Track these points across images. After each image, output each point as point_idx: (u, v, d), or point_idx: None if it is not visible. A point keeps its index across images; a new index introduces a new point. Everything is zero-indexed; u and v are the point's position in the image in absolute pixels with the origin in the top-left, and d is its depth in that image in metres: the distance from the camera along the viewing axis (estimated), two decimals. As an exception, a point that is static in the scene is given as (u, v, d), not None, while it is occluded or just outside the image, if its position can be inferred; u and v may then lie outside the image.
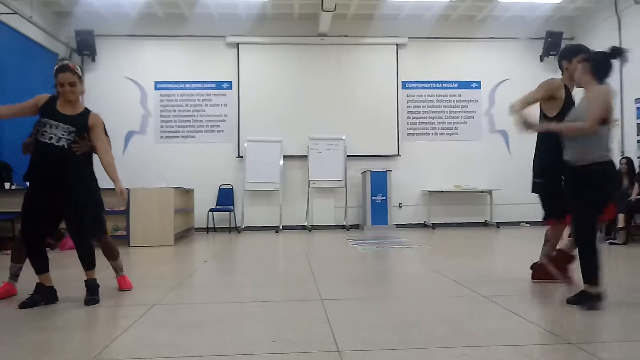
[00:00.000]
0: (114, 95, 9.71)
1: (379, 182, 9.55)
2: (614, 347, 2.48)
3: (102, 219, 4.03)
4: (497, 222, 9.90)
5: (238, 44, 10.12)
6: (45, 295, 3.46)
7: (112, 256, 4.00)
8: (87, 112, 3.59)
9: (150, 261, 5.93)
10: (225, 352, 2.39)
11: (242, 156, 9.94)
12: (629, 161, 7.80)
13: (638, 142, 8.58)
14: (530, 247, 7.10)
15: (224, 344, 2.50)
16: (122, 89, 9.91)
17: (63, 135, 3.42)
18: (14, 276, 3.82)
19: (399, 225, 9.86)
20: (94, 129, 3.55)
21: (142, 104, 9.96)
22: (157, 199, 7.23)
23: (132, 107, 9.91)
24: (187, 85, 10.09)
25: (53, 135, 3.40)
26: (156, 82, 10.03)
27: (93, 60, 9.77)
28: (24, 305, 3.35)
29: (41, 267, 3.52)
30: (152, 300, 3.52)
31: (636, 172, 7.74)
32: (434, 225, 9.94)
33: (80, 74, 3.59)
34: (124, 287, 3.94)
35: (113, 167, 3.53)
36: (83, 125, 3.50)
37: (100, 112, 3.73)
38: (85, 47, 9.55)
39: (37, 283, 3.50)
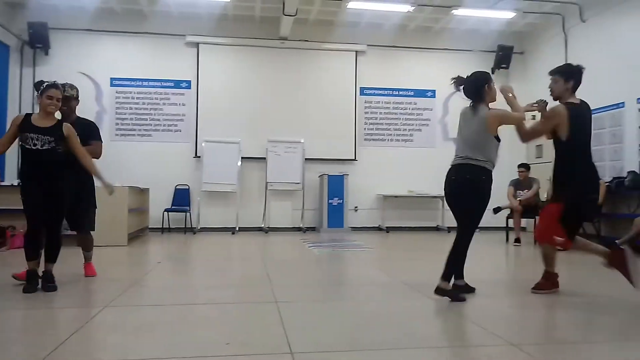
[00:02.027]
0: (67, 91, 9.38)
1: (336, 186, 9.69)
2: (550, 348, 2.65)
3: (93, 216, 4.80)
4: (448, 227, 10.20)
5: (198, 43, 10.04)
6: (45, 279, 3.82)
7: (87, 248, 4.64)
8: (60, 123, 3.95)
9: (102, 262, 5.76)
10: (178, 354, 2.41)
11: (199, 156, 9.85)
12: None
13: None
14: (478, 250, 7.39)
15: (177, 347, 2.52)
16: (76, 84, 9.42)
17: (44, 144, 3.82)
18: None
19: (354, 228, 10.01)
20: (69, 139, 3.93)
21: (97, 101, 9.71)
22: (111, 198, 6.97)
23: (86, 103, 9.54)
24: (145, 83, 9.91)
25: (37, 143, 3.80)
26: (112, 79, 9.81)
27: (46, 53, 9.45)
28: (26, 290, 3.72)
29: (34, 253, 3.85)
30: (104, 302, 3.49)
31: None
32: (388, 229, 10.15)
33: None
34: (89, 273, 4.50)
35: (93, 166, 4.11)
36: (59, 135, 3.89)
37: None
38: (38, 40, 9.22)
39: (27, 271, 3.82)
